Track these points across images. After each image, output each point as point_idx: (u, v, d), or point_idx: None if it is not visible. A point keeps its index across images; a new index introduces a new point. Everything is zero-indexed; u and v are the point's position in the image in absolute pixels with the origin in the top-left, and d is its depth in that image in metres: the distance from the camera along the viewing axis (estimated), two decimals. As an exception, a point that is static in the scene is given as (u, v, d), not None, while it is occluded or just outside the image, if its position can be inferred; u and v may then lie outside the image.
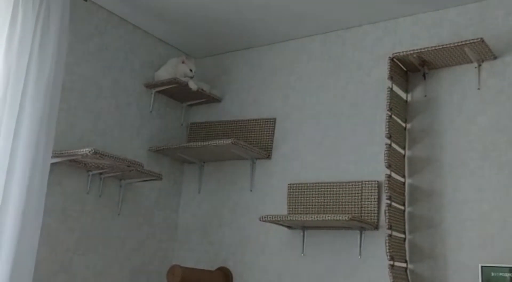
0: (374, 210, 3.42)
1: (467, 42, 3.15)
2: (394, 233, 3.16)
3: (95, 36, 3.80)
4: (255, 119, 4.12)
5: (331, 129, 3.76)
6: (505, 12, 3.33)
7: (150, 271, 3.99)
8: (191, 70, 4.08)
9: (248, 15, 3.85)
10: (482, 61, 3.32)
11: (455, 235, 3.18)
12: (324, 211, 3.58)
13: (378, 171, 3.43)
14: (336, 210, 3.54)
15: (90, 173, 3.63)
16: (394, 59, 3.40)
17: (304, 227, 3.64)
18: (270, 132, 4.03)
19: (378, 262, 3.33)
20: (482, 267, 2.97)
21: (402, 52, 3.35)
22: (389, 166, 3.18)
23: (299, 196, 3.71)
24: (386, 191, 3.15)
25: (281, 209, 3.77)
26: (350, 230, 3.48)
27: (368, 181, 3.48)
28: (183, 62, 4.09)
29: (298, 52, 4.09)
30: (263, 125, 4.07)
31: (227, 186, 4.12)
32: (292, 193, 3.76)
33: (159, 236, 4.10)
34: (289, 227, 3.70)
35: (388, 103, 3.29)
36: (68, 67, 3.55)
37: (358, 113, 3.68)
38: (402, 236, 3.26)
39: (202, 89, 4.16)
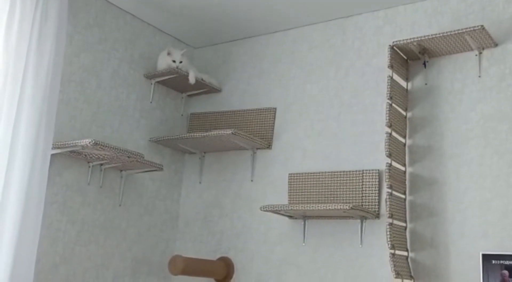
0: (375, 199, 3.42)
1: (468, 29, 3.14)
2: (395, 222, 3.16)
3: (94, 27, 3.78)
4: (256, 109, 4.11)
5: (332, 119, 3.76)
6: (506, -1, 3.32)
7: (151, 261, 4.00)
8: (174, 61, 3.98)
9: (248, 4, 3.84)
10: (483, 48, 3.31)
11: (456, 223, 3.17)
12: (325, 200, 3.58)
13: (378, 160, 3.43)
14: (337, 199, 3.54)
15: (91, 164, 3.63)
16: (394, 48, 3.39)
17: (305, 217, 3.65)
18: (271, 122, 4.02)
19: (379, 251, 3.33)
20: (483, 255, 2.97)
21: (402, 40, 3.34)
22: (389, 155, 3.18)
23: (300, 185, 3.71)
24: (387, 180, 3.14)
25: (282, 199, 3.77)
26: (351, 219, 3.48)
27: (369, 170, 3.48)
28: (168, 54, 4.00)
29: (298, 41, 4.07)
30: (264, 115, 4.06)
31: (227, 176, 4.12)
32: (293, 183, 3.75)
33: (160, 227, 4.11)
34: (290, 216, 3.70)
35: (388, 92, 3.28)
36: (67, 58, 3.55)
37: (359, 102, 3.68)
38: (403, 224, 3.26)
39: (202, 79, 4.14)
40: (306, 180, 3.70)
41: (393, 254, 3.05)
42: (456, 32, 3.16)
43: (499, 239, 3.03)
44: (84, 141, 3.25)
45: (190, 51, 4.50)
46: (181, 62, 3.98)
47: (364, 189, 3.47)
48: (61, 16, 3.25)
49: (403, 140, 3.39)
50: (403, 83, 3.48)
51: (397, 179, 3.25)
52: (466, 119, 3.29)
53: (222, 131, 3.72)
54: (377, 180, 3.44)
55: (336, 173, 3.59)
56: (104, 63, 3.83)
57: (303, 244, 3.65)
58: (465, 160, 3.23)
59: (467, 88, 3.33)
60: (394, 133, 3.27)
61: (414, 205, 3.33)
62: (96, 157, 3.52)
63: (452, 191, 3.23)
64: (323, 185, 3.61)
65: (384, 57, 3.47)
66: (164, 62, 4.02)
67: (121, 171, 3.84)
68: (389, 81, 3.30)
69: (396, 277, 3.03)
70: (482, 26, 3.11)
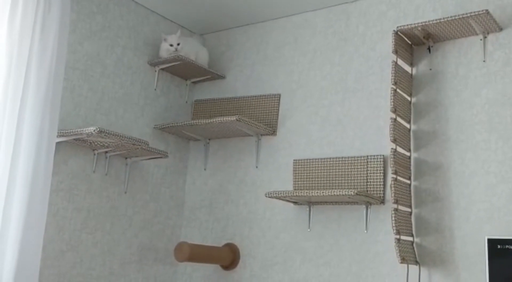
0: (380, 184, 3.42)
1: (472, 14, 3.12)
2: (400, 207, 3.16)
3: (98, 15, 3.78)
4: (260, 96, 4.11)
5: (336, 104, 3.75)
6: (511, -17, 3.29)
7: (157, 248, 4.02)
8: (171, 45, 3.97)
9: (251, -10, 3.83)
10: (488, 33, 3.30)
11: (461, 208, 3.18)
12: (330, 186, 3.59)
13: (383, 145, 3.43)
14: (342, 185, 3.54)
15: (96, 152, 3.64)
16: (399, 33, 3.38)
17: (310, 203, 3.65)
18: (275, 108, 4.02)
19: (385, 236, 3.34)
20: (488, 239, 2.97)
21: (407, 25, 3.32)
22: (394, 140, 3.18)
23: (305, 171, 3.71)
24: (392, 165, 3.14)
25: (287, 185, 3.77)
26: (356, 204, 3.49)
27: (374, 156, 3.48)
28: (164, 40, 4.00)
29: (302, 27, 4.06)
30: (268, 102, 4.06)
31: (232, 162, 4.13)
32: (297, 169, 3.76)
33: (166, 214, 4.12)
34: (295, 202, 3.71)
35: (393, 77, 3.27)
36: (71, 46, 3.55)
37: (363, 87, 3.67)
38: (408, 210, 3.27)
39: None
40: (311, 165, 3.70)
41: (398, 239, 3.06)
42: (461, 16, 3.15)
43: (504, 223, 3.03)
44: (89, 128, 3.25)
45: (194, 38, 4.50)
46: (178, 44, 3.97)
47: (369, 174, 3.47)
48: (65, 4, 3.24)
49: (407, 125, 3.38)
50: (407, 68, 3.47)
51: (402, 164, 3.25)
52: (471, 104, 3.28)
53: (227, 118, 3.72)
54: (382, 165, 3.44)
55: (340, 159, 3.60)
56: (108, 51, 3.83)
57: (308, 230, 3.66)
58: (470, 144, 3.23)
59: (471, 73, 3.32)
60: (398, 119, 3.27)
61: (419, 190, 3.33)
62: (101, 144, 3.53)
63: (457, 176, 3.23)
64: (328, 170, 3.62)
65: (389, 43, 3.46)
66: (164, 49, 4.03)
67: (126, 158, 3.84)
68: (393, 66, 3.29)
69: (401, 262, 3.05)
70: (486, 10, 3.09)
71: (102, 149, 3.61)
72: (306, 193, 3.40)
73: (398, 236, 3.06)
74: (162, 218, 4.09)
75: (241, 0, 3.96)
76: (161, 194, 4.10)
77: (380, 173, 3.44)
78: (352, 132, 3.64)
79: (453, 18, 3.17)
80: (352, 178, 3.52)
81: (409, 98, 3.44)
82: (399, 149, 3.25)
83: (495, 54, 3.26)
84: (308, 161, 3.72)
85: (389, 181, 3.23)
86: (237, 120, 3.68)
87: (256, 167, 4.00)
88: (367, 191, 3.42)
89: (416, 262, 3.20)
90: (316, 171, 3.67)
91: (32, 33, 3.08)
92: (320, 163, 3.67)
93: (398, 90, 3.29)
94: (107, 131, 3.30)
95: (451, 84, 3.37)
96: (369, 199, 3.34)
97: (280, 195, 3.52)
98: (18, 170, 2.96)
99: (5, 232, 2.89)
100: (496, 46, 3.27)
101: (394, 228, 3.05)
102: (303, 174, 3.72)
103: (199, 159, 4.29)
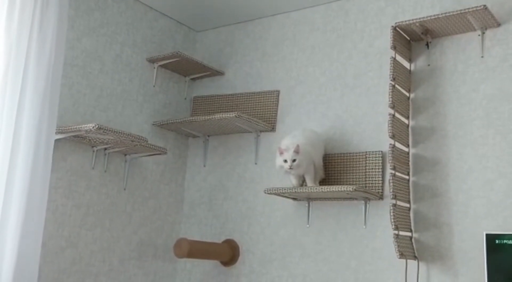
0: (378, 180, 3.43)
1: (470, 9, 3.12)
2: (399, 203, 3.17)
3: (96, 11, 3.78)
4: (259, 92, 4.11)
5: (335, 101, 3.75)
6: (509, -22, 3.29)
7: (157, 244, 4.02)
8: (286, 161, 3.38)
9: (249, -14, 3.83)
10: (486, 29, 3.30)
11: (460, 204, 3.18)
12: (328, 182, 3.59)
13: (382, 141, 3.43)
14: (340, 181, 3.55)
15: (95, 149, 3.64)
16: (397, 29, 3.37)
17: (309, 199, 3.66)
18: (274, 105, 4.02)
19: (383, 232, 3.35)
20: (486, 234, 2.97)
21: (405, 21, 3.32)
22: (393, 136, 3.18)
23: (304, 167, 3.71)
24: (390, 161, 3.14)
25: (286, 181, 3.77)
26: (355, 200, 3.49)
27: (372, 152, 3.49)
28: (281, 154, 3.42)
29: (300, 23, 4.06)
30: (267, 98, 4.06)
31: (232, 159, 4.13)
32: (296, 165, 3.75)
33: (165, 210, 4.13)
34: (294, 199, 3.71)
35: (391, 73, 3.27)
36: (70, 43, 3.55)
37: (362, 84, 3.67)
38: (407, 205, 3.27)
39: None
40: (310, 162, 3.70)
41: (397, 235, 3.06)
42: (459, 12, 3.15)
43: (502, 218, 3.04)
44: (88, 125, 3.26)
45: (193, 35, 4.50)
46: (294, 160, 3.36)
47: (367, 170, 3.48)
48: (63, 1, 3.24)
49: (406, 121, 3.39)
50: (406, 64, 3.47)
51: (400, 160, 3.25)
52: (469, 99, 3.28)
53: (226, 115, 3.72)
54: (380, 161, 3.45)
55: (339, 155, 3.60)
56: (106, 48, 3.83)
57: (307, 225, 3.67)
58: (468, 140, 3.23)
59: (469, 68, 3.32)
60: (397, 115, 3.27)
61: (417, 186, 3.34)
62: (100, 141, 3.53)
63: (455, 171, 3.24)
64: (327, 166, 3.62)
65: (387, 39, 3.46)
66: (277, 162, 3.47)
67: (125, 155, 3.85)
68: (392, 62, 3.29)
69: (400, 258, 3.05)
70: (484, 6, 3.09)
71: (101, 145, 3.62)
72: (305, 189, 3.41)
73: (396, 232, 3.07)
74: (161, 214, 4.10)
75: (240, -4, 3.97)
76: (160, 191, 4.11)
77: (378, 168, 3.44)
78: (350, 129, 3.64)
79: (451, 13, 3.17)
80: (351, 174, 3.53)
81: (407, 94, 3.44)
82: (398, 145, 3.25)
83: (493, 50, 3.27)
84: (307, 157, 3.72)
85: (388, 176, 3.23)
86: (236, 116, 3.69)
87: (255, 163, 4.01)
88: (365, 186, 3.43)
89: (415, 257, 3.20)
90: (315, 167, 3.67)
91: (30, 30, 3.07)
92: (319, 159, 3.67)
93: (396, 86, 3.30)
94: (106, 128, 3.30)
95: (449, 80, 3.37)
96: (368, 194, 3.34)
97: (279, 191, 3.53)
98: (17, 167, 2.96)
99: (5, 229, 2.90)
100: (494, 42, 3.27)
101: (393, 223, 3.05)
102: (302, 170, 3.72)
103: (198, 156, 4.29)
